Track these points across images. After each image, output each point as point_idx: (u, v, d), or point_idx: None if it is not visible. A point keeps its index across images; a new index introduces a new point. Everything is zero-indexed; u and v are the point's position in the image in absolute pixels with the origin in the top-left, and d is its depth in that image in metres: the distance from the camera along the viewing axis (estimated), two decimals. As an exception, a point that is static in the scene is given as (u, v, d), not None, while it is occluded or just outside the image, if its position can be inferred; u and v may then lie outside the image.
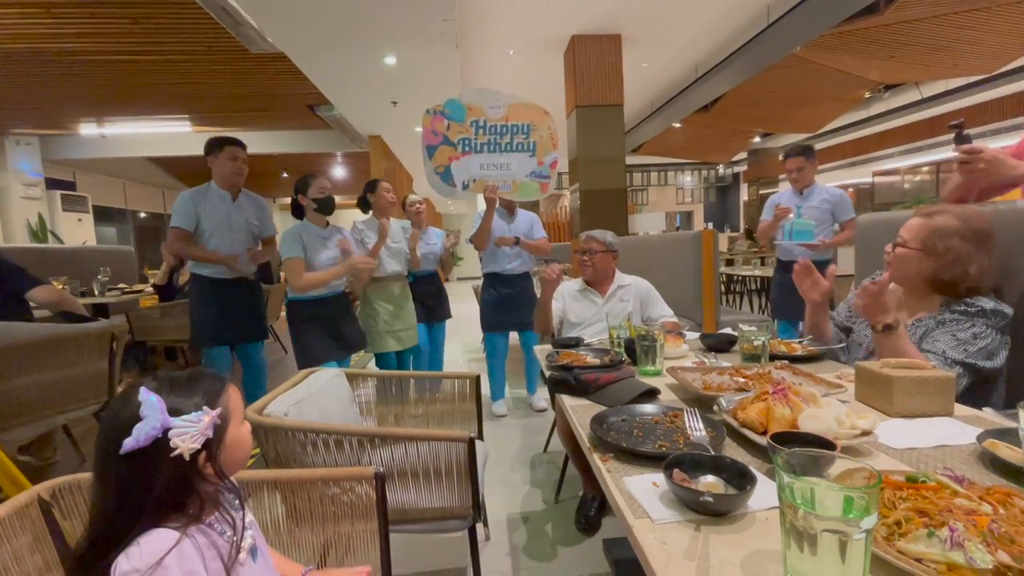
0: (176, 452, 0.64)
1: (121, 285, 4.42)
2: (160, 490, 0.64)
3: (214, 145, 2.51)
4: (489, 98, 2.91)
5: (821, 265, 2.99)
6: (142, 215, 11.39)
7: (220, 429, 0.69)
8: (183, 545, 0.63)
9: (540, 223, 3.26)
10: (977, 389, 1.16)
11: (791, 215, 2.98)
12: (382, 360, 2.85)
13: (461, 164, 2.91)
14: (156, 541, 0.62)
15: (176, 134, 8.10)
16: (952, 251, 1.20)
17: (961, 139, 1.30)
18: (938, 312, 1.25)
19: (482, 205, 3.03)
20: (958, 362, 1.14)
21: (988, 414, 1.00)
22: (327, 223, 2.49)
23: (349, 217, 2.89)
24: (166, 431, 0.64)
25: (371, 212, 2.82)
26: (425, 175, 2.96)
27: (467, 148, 2.90)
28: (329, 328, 2.45)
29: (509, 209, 3.14)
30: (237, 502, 0.74)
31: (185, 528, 0.65)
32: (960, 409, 1.01)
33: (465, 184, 2.93)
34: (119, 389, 2.40)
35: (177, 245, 2.50)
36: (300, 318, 2.43)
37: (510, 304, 3.10)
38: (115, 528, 0.63)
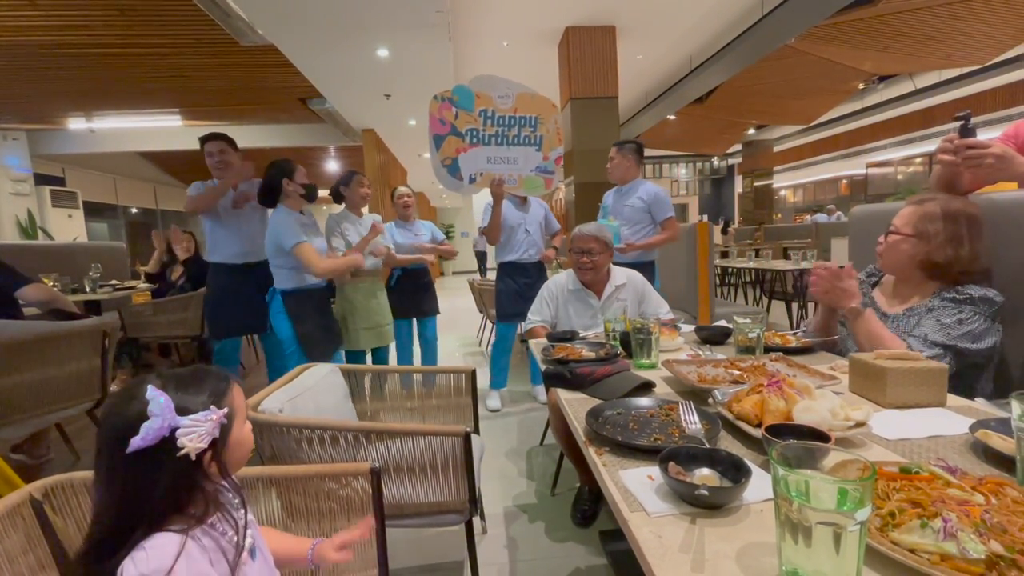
0: (183, 452, 0.63)
1: (113, 281, 4.37)
2: (164, 490, 0.63)
3: (200, 144, 2.65)
4: (498, 86, 2.82)
5: (641, 267, 2.91)
6: (133, 211, 11.28)
7: (225, 428, 0.69)
8: (189, 549, 0.62)
9: (551, 211, 3.25)
10: (965, 374, 1.18)
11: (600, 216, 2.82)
12: (353, 359, 2.81)
13: (469, 156, 2.82)
14: (163, 546, 0.61)
15: (166, 128, 8.00)
16: (944, 233, 1.24)
17: (966, 131, 1.26)
18: (929, 299, 1.27)
19: (484, 195, 2.99)
20: (939, 344, 1.16)
21: (980, 404, 1.00)
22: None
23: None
24: (173, 430, 0.63)
25: (344, 205, 2.79)
26: (432, 168, 2.87)
27: (475, 140, 2.81)
28: (320, 321, 2.43)
29: (521, 198, 3.11)
30: (238, 501, 0.73)
31: (189, 530, 0.64)
32: (953, 400, 1.02)
33: (472, 178, 2.85)
34: (112, 387, 2.38)
35: (195, 202, 2.56)
36: (301, 311, 2.36)
37: (526, 294, 3.03)
38: (117, 529, 0.62)
